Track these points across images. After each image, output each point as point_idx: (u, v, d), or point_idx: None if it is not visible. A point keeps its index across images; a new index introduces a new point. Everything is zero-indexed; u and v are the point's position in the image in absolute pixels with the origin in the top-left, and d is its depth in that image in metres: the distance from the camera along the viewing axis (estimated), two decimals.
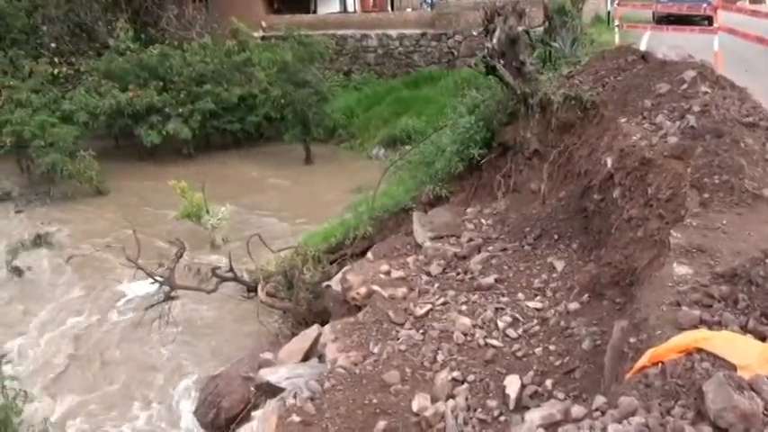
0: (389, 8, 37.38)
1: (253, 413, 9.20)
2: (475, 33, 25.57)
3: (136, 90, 24.45)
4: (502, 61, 11.03)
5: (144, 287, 14.71)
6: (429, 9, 32.56)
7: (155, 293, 13.92)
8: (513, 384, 6.61)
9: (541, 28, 16.62)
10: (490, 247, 9.52)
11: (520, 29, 11.17)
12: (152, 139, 24.10)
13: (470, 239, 9.87)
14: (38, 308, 15.23)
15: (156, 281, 13.80)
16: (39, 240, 18.09)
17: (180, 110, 24.62)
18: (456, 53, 27.70)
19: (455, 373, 6.95)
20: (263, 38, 28.78)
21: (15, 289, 16.19)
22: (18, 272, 16.65)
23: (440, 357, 7.28)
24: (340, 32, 29.92)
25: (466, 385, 6.80)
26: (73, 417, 11.32)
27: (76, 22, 29.07)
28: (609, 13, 26.17)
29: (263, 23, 30.95)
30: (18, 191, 22.94)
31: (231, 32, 26.34)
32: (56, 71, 26.32)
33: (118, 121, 24.84)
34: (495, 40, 10.98)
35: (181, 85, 25.10)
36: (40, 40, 28.57)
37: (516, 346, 7.28)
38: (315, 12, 35.81)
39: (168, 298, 13.62)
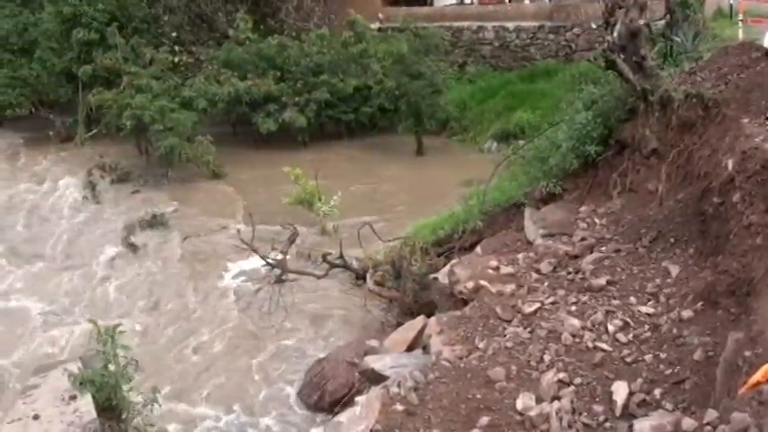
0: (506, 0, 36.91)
1: (356, 398, 9.31)
2: (594, 26, 24.97)
3: (254, 79, 25.10)
4: (622, 56, 10.75)
5: (253, 267, 15.16)
6: (547, 1, 31.97)
7: (266, 275, 14.30)
8: (620, 391, 6.48)
9: (662, 21, 16.05)
10: (603, 248, 9.30)
11: (641, 22, 10.85)
12: (268, 126, 24.72)
13: (583, 239, 9.67)
14: (151, 284, 15.91)
15: (269, 264, 14.17)
16: (155, 219, 18.97)
17: (296, 99, 25.14)
18: (574, 46, 27.08)
19: (562, 375, 6.85)
20: (379, 29, 28.93)
21: (131, 265, 16.96)
22: (133, 248, 17.50)
23: (547, 357, 7.20)
24: (456, 24, 29.74)
25: (572, 388, 6.70)
26: (180, 387, 11.78)
27: (197, 12, 30.05)
28: (732, 6, 25.05)
29: (381, 15, 31.12)
30: (136, 172, 23.95)
31: (348, 24, 26.62)
32: (176, 59, 27.27)
33: (236, 108, 25.58)
34: (615, 34, 10.71)
35: (298, 75, 25.60)
36: (161, 29, 29.70)
37: (626, 352, 7.11)
38: (432, 4, 35.77)
39: (279, 280, 13.98)
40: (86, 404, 8.90)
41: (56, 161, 26.55)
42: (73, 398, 9.08)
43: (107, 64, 26.52)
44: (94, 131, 27.73)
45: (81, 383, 9.09)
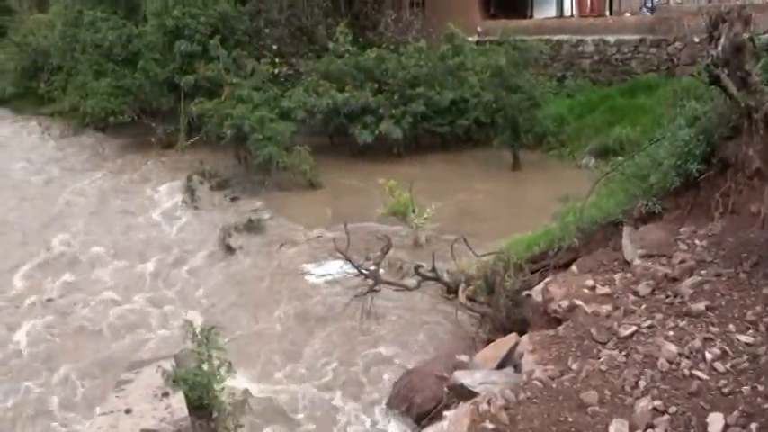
0: (607, 12, 36.27)
1: (444, 413, 9.33)
2: (696, 40, 24.33)
3: (352, 91, 25.49)
4: (725, 71, 10.41)
5: (346, 276, 15.42)
6: (648, 13, 31.27)
7: (358, 285, 14.43)
8: (716, 423, 6.23)
9: (767, 35, 15.43)
10: (703, 271, 8.97)
11: (745, 36, 10.49)
12: (365, 137, 25.12)
13: (683, 261, 9.36)
14: (244, 287, 16.37)
15: (363, 274, 14.32)
16: (251, 224, 19.59)
17: (393, 111, 25.44)
18: (676, 60, 26.45)
19: (656, 402, 6.64)
20: (477, 42, 28.99)
21: (226, 267, 17.52)
22: (230, 250, 18.11)
23: (642, 383, 7.00)
24: (555, 38, 29.47)
25: (667, 416, 6.48)
26: (268, 390, 12.02)
27: (298, 25, 30.86)
28: None
29: (479, 28, 31.16)
30: (234, 179, 24.73)
31: (446, 37, 26.75)
32: (276, 71, 28.01)
33: (333, 119, 26.10)
34: (719, 48, 10.38)
35: (395, 87, 25.88)
36: (263, 42, 30.60)
37: (723, 382, 6.84)
38: (531, 16, 35.52)
39: (371, 290, 14.09)
40: (178, 401, 9.12)
41: (156, 167, 27.73)
42: (165, 395, 9.31)
43: (209, 75, 27.50)
44: (194, 139, 28.78)
45: (174, 381, 9.38)
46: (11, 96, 45.26)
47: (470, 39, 28.61)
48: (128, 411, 9.07)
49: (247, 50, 29.25)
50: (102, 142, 32.89)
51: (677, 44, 26.36)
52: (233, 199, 23.16)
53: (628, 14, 32.46)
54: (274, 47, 29.88)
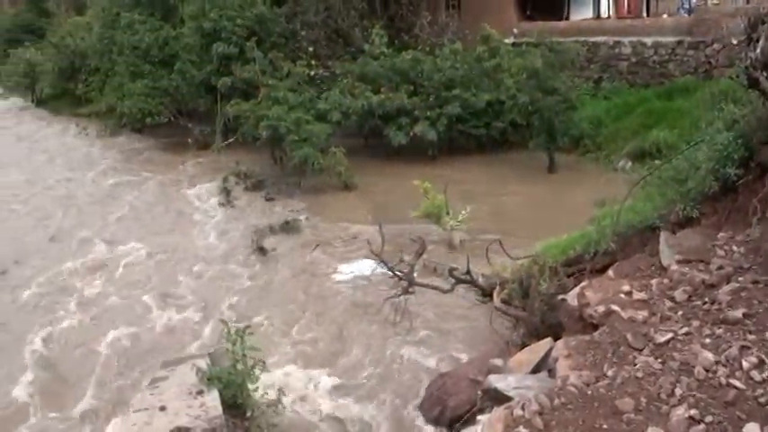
0: (645, 13, 35.90)
1: (478, 417, 9.29)
2: (735, 42, 24.03)
3: (387, 92, 25.56)
4: (765, 73, 10.25)
5: (380, 278, 15.43)
6: (686, 15, 30.91)
7: (392, 286, 14.45)
8: None
9: None
10: (741, 278, 8.84)
11: None
12: (399, 139, 25.18)
13: (720, 267, 9.22)
14: (277, 287, 16.51)
15: (397, 276, 14.36)
16: (287, 225, 19.76)
17: (428, 113, 25.48)
18: (714, 63, 26.13)
19: (693, 411, 6.56)
20: (513, 44, 28.88)
21: (260, 268, 17.67)
22: (263, 251, 18.23)
23: (678, 391, 6.91)
24: (592, 39, 29.27)
25: (703, 426, 6.39)
26: (301, 390, 12.03)
27: (334, 27, 31.08)
28: None
29: (515, 30, 31.04)
30: (270, 180, 24.96)
31: (482, 38, 26.71)
32: (312, 73, 28.29)
33: (368, 121, 26.23)
34: (758, 50, 10.22)
35: (430, 89, 25.94)
36: (299, 44, 30.90)
37: (759, 391, 6.72)
38: (567, 18, 35.29)
39: (406, 292, 14.12)
40: (213, 400, 9.22)
41: (193, 167, 28.16)
42: (200, 393, 9.41)
43: (245, 76, 27.81)
44: (230, 140, 29.07)
45: (209, 379, 9.49)
46: (48, 97, 46.27)
47: (506, 40, 28.49)
48: (162, 409, 9.17)
49: (283, 52, 29.55)
50: (138, 143, 33.40)
51: (715, 46, 26.03)
52: (269, 200, 23.41)
53: (665, 16, 32.12)
54: (310, 49, 30.13)
